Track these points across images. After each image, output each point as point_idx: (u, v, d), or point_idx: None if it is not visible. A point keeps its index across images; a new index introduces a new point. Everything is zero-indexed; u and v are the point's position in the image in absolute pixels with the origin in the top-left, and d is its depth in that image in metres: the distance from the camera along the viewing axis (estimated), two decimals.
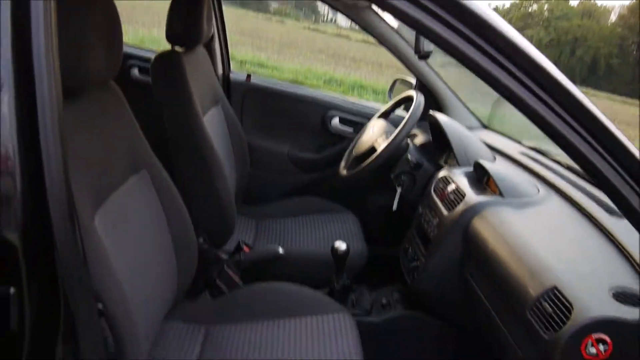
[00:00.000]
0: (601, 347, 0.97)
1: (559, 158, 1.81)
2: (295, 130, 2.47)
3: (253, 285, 1.59)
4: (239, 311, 1.47)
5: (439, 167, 1.88)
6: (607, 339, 0.97)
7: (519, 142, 2.07)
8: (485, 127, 2.30)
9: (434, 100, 2.23)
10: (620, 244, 1.21)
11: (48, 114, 0.78)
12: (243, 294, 1.56)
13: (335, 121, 2.42)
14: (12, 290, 0.75)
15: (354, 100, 2.57)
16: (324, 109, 2.43)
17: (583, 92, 0.89)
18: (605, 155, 0.85)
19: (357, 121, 2.39)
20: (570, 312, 1.00)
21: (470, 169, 1.69)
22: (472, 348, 1.63)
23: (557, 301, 1.04)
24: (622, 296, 1.04)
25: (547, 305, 1.05)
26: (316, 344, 1.31)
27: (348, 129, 2.41)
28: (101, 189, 1.12)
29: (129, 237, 1.21)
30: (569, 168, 1.72)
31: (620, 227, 1.25)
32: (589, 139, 0.85)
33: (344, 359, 1.27)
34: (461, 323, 1.60)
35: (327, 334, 1.35)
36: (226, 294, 1.63)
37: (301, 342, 1.32)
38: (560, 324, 1.01)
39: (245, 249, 1.78)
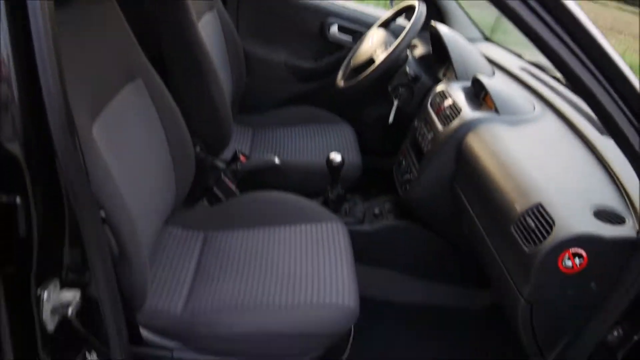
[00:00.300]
0: (577, 260, 1.03)
1: (558, 75, 1.80)
2: (293, 38, 2.41)
3: (249, 193, 1.64)
4: (236, 218, 1.52)
5: (437, 81, 1.86)
6: (583, 253, 1.03)
7: (520, 57, 2.03)
8: (487, 39, 2.25)
9: (436, 9, 2.16)
10: (607, 164, 1.24)
11: (41, 23, 0.77)
12: (240, 202, 1.61)
13: (334, 29, 2.35)
14: (18, 199, 0.78)
15: (354, 6, 2.48)
16: (323, 15, 2.36)
17: (592, 2, 0.87)
18: (600, 77, 0.85)
19: (357, 30, 2.32)
20: (551, 228, 1.06)
21: (468, 83, 1.68)
22: (459, 256, 1.72)
23: (540, 217, 1.09)
24: (603, 214, 1.08)
25: (531, 221, 1.10)
26: (309, 251, 1.38)
27: (347, 38, 2.35)
28: (97, 98, 1.12)
29: (126, 146, 1.23)
30: (567, 85, 1.71)
31: (610, 147, 1.27)
32: (585, 60, 0.85)
33: (335, 264, 1.34)
34: (449, 234, 1.67)
35: (320, 241, 1.42)
36: (223, 201, 1.68)
37: (295, 248, 1.38)
38: (541, 238, 1.06)
39: (242, 158, 1.80)
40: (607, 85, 0.88)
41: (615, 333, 1.02)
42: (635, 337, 0.97)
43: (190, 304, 1.23)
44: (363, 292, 1.33)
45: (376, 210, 1.84)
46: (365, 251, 1.67)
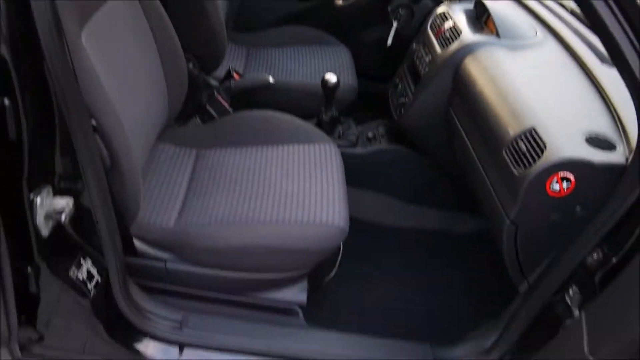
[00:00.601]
0: (564, 184, 1.05)
1: (563, 1, 1.74)
2: None
3: (243, 112, 1.62)
4: (229, 136, 1.51)
5: (439, 2, 1.81)
6: (572, 177, 1.04)
7: None
8: None
9: None
10: (604, 91, 1.23)
11: None
12: (233, 120, 1.59)
13: None
14: (6, 101, 0.77)
15: None
16: None
17: None
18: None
19: None
20: (542, 152, 1.06)
21: (471, 6, 1.63)
22: (451, 181, 1.74)
23: (532, 141, 1.10)
24: (595, 140, 1.09)
25: (523, 145, 1.11)
26: (301, 170, 1.39)
27: None
28: (86, 4, 1.08)
29: (117, 55, 1.20)
30: (572, 12, 1.66)
31: (609, 75, 1.26)
32: None
33: (327, 184, 1.35)
34: (442, 159, 1.68)
35: (312, 162, 1.42)
36: (216, 119, 1.67)
37: (287, 168, 1.39)
38: (532, 162, 1.07)
39: (236, 76, 1.77)
40: (615, 8, 0.85)
41: (595, 256, 1.05)
42: (614, 260, 1.00)
43: (183, 217, 1.25)
44: (354, 214, 1.35)
45: (369, 134, 1.84)
46: (357, 174, 1.68)
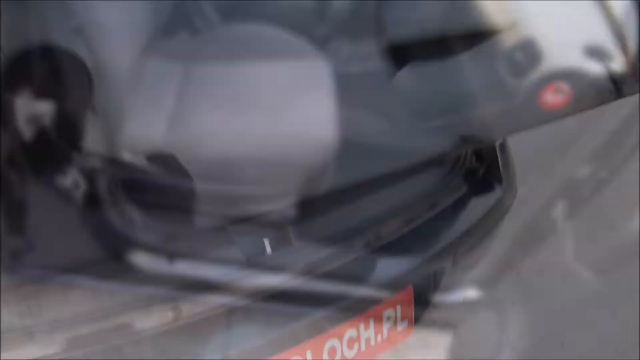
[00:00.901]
0: (559, 95, 1.03)
1: None
2: None
3: (232, 25, 1.56)
4: (217, 51, 1.46)
5: None
6: (567, 88, 1.02)
7: None
8: None
9: None
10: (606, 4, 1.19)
11: None
12: (222, 34, 1.54)
13: None
14: None
15: None
16: None
17: None
18: None
19: None
20: (538, 62, 1.04)
21: None
22: None
23: (528, 51, 1.06)
24: (593, 51, 1.06)
25: (519, 54, 1.08)
26: (290, 85, 1.35)
27: None
28: None
29: None
30: None
31: None
32: None
33: (317, 100, 1.32)
34: None
35: (302, 77, 1.38)
36: (204, 32, 1.61)
37: (276, 82, 1.36)
38: (526, 72, 1.05)
39: None
40: None
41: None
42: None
43: (170, 131, 1.23)
44: (346, 135, 1.33)
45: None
46: (349, 93, 1.64)
